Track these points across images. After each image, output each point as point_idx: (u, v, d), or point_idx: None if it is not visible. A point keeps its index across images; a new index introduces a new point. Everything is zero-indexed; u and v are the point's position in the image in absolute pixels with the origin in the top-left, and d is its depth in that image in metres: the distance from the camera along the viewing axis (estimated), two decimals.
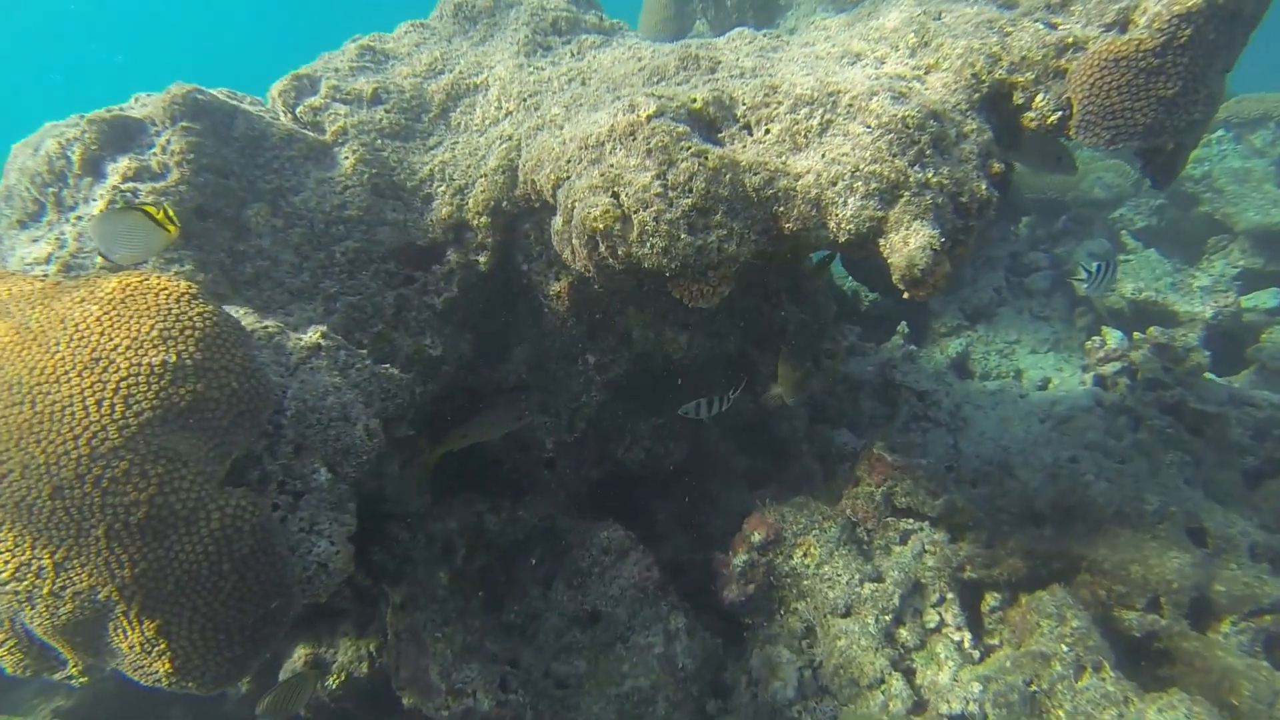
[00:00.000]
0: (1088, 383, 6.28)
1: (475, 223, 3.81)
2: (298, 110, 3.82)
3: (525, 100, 3.92)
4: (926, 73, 3.34)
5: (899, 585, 4.08)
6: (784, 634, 4.15)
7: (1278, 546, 4.00)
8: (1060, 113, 3.10)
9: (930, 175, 2.89)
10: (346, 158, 3.72)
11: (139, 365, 2.34)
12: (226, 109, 3.47)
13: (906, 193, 2.86)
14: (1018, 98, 3.22)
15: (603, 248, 3.01)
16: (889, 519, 4.40)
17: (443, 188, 3.85)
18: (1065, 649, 3.52)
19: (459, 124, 4.06)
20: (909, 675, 3.92)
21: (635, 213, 2.93)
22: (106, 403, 2.26)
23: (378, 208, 3.73)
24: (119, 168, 3.20)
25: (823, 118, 3.09)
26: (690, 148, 2.97)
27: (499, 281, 4.09)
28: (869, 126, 2.95)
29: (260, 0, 38.52)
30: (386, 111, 3.92)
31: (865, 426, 5.91)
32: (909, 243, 2.78)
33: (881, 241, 2.90)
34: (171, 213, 2.61)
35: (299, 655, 4.31)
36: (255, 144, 3.50)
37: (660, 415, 4.92)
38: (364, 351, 3.25)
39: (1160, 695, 3.29)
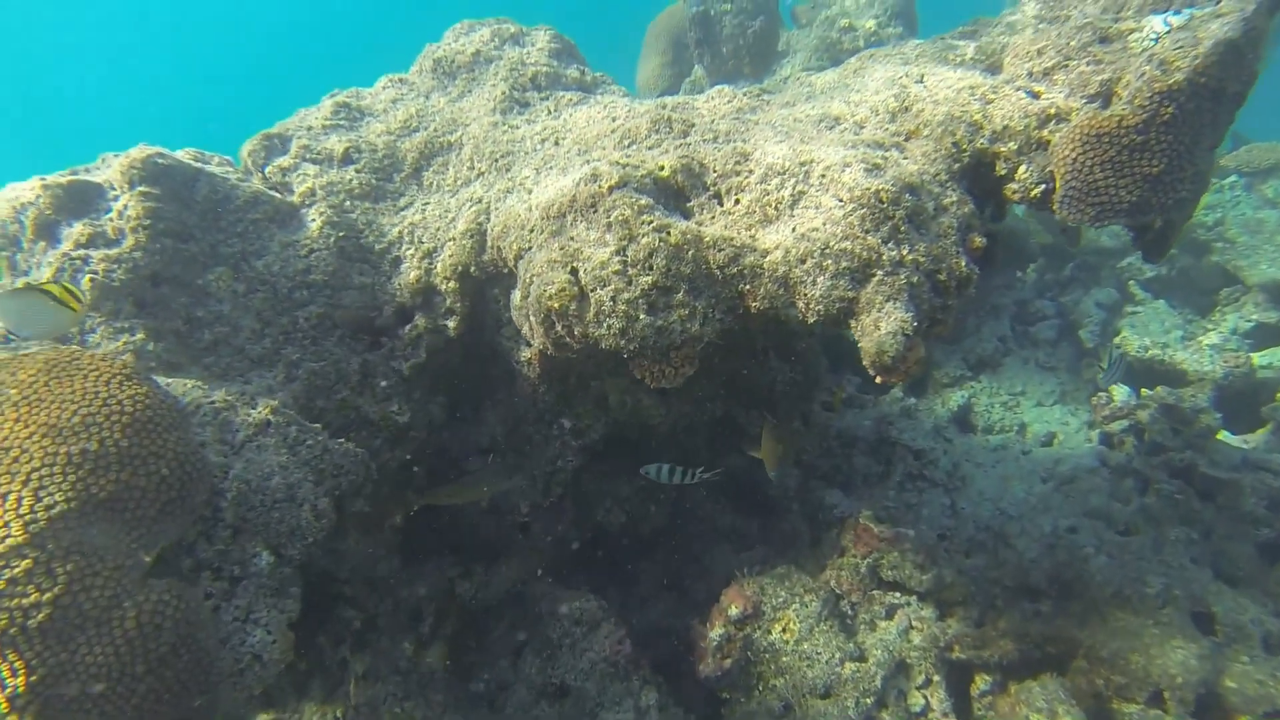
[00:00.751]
0: (1093, 440, 6.06)
1: (444, 287, 3.71)
2: (267, 170, 3.76)
3: (497, 161, 3.83)
4: (906, 139, 3.22)
5: (882, 665, 3.88)
6: (760, 712, 3.96)
7: None
8: (1044, 186, 2.96)
9: (905, 253, 2.75)
10: (314, 220, 3.64)
11: (55, 454, 2.24)
12: (189, 172, 3.41)
13: (879, 272, 2.72)
14: (1000, 168, 3.08)
15: (559, 327, 2.90)
16: (874, 592, 4.22)
17: (411, 251, 3.77)
18: None
19: (431, 184, 3.98)
20: None
21: (593, 291, 2.81)
22: (14, 495, 2.16)
23: (344, 271, 3.65)
24: (73, 233, 3.14)
25: (794, 189, 2.97)
26: (652, 222, 2.85)
27: (470, 345, 3.99)
28: (841, 200, 2.83)
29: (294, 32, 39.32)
30: (357, 171, 3.85)
31: (859, 484, 5.72)
32: (880, 327, 2.64)
33: (853, 323, 2.76)
34: (76, 290, 2.52)
35: None
36: (218, 207, 3.43)
37: (640, 479, 4.78)
38: (318, 425, 3.14)
39: None
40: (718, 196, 3.15)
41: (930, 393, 7.31)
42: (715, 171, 3.17)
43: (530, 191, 3.47)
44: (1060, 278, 7.68)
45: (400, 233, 3.80)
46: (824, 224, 2.80)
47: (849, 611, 4.19)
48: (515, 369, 4.02)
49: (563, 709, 3.95)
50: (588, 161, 3.36)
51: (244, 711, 4.31)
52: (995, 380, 7.16)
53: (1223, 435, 5.81)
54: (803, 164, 2.99)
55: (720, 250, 2.85)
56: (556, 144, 3.81)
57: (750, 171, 3.07)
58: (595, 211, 2.96)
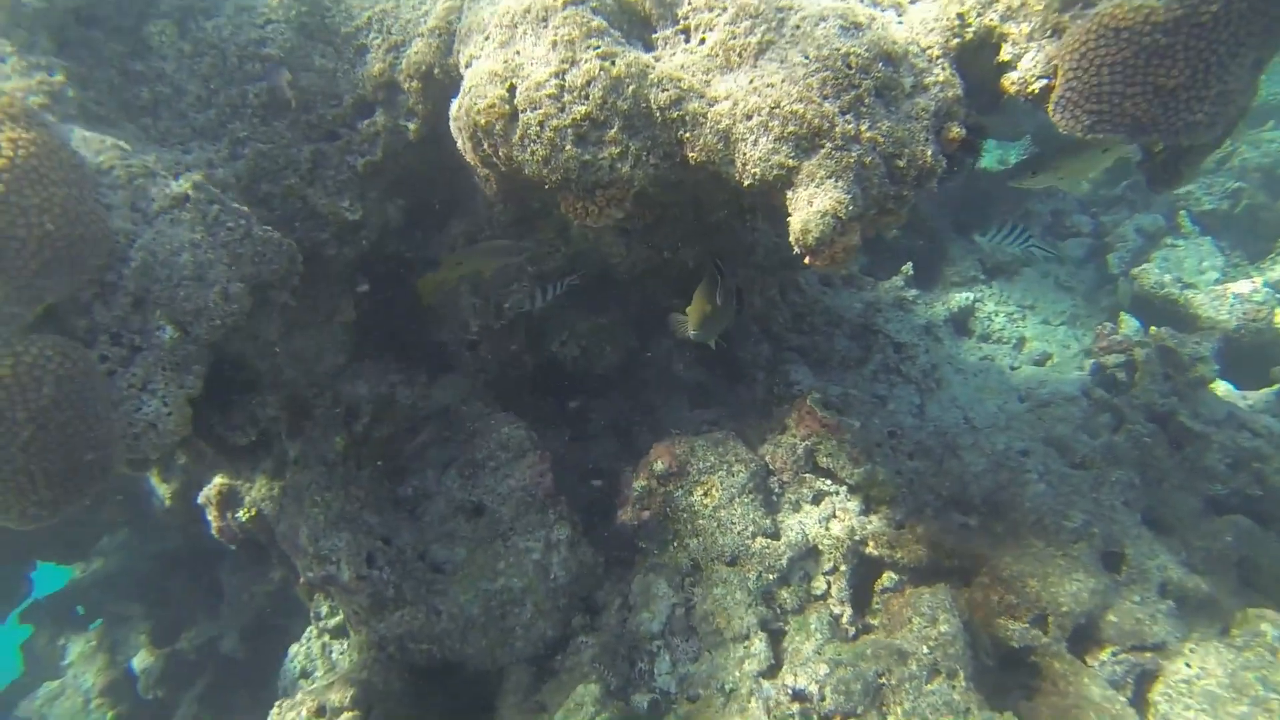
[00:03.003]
0: (1086, 369, 5.83)
1: (407, 86, 3.51)
2: None
3: None
4: (913, 1, 2.86)
5: (792, 546, 3.93)
6: (670, 567, 4.07)
7: (1190, 587, 3.72)
8: (1045, 81, 2.62)
9: (863, 128, 2.50)
10: None
11: None
12: None
13: (828, 144, 2.48)
14: (1006, 53, 2.73)
15: (486, 145, 2.73)
16: (807, 475, 4.21)
17: (379, 40, 3.52)
18: (925, 650, 3.38)
19: None
20: (778, 637, 3.84)
21: (523, 112, 2.62)
22: None
23: (304, 50, 3.44)
24: None
25: (763, 36, 2.67)
26: (598, 48, 2.60)
27: (434, 151, 3.81)
28: (807, 58, 2.54)
29: None
30: None
31: (834, 366, 5.60)
32: (811, 204, 2.44)
33: (789, 194, 2.56)
34: None
35: (217, 484, 4.39)
36: None
37: (602, 316, 4.71)
38: (245, 209, 3.06)
39: (994, 714, 3.15)
40: (686, 32, 2.85)
41: (939, 288, 7.03)
42: (689, 3, 2.86)
43: None
44: (1110, 195, 7.14)
45: (370, 18, 3.54)
46: (782, 81, 2.54)
47: (777, 489, 4.20)
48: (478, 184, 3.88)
49: (476, 527, 4.09)
50: None
51: (203, 475, 4.55)
52: (1008, 288, 6.84)
53: (1224, 388, 5.54)
54: (779, 9, 2.67)
55: (664, 90, 2.61)
56: None
57: (723, 9, 2.76)
58: (545, 26, 2.70)
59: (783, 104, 2.50)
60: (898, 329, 5.65)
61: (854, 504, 4.10)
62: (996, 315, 6.67)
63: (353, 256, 3.91)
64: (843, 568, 3.92)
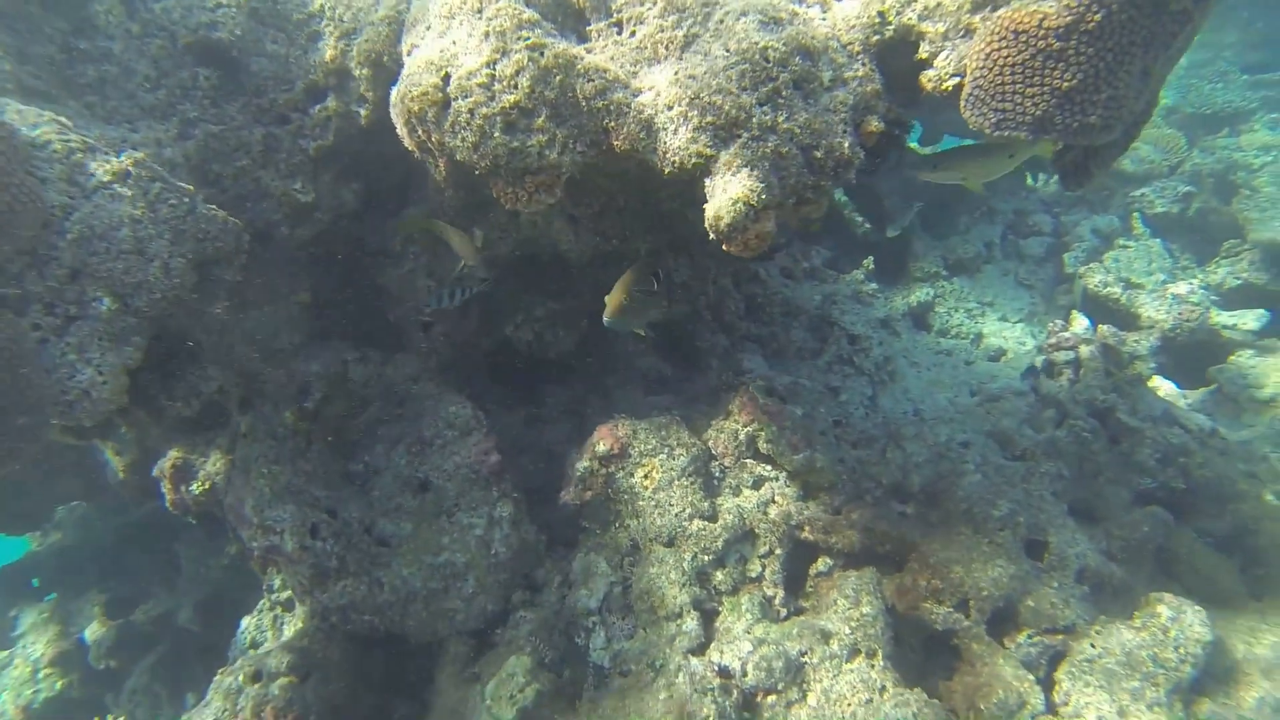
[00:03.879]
0: (1037, 365, 5.95)
1: (358, 73, 3.58)
2: None
3: None
4: None
5: (729, 529, 4.04)
6: (610, 546, 4.18)
7: (1106, 574, 3.85)
8: (957, 79, 2.72)
9: (780, 119, 2.59)
10: None
11: None
12: None
13: (744, 134, 2.57)
14: (924, 51, 2.83)
15: (420, 132, 2.81)
16: (748, 460, 4.31)
17: (331, 27, 3.60)
18: (847, 631, 3.50)
19: None
20: (711, 616, 3.95)
21: (455, 100, 2.70)
22: None
23: (255, 35, 3.51)
24: None
25: (689, 30, 2.76)
26: (528, 39, 2.69)
27: (387, 137, 3.89)
28: (727, 51, 2.63)
29: None
30: None
31: (791, 357, 5.72)
32: (725, 191, 2.54)
33: (707, 183, 2.66)
34: None
35: (171, 457, 4.46)
36: None
37: (557, 302, 4.79)
38: (189, 187, 3.14)
39: (905, 690, 3.27)
40: (620, 24, 2.94)
41: (903, 284, 7.15)
42: None
43: None
44: (1070, 194, 7.26)
45: (323, 5, 3.61)
46: (703, 73, 2.63)
47: (718, 474, 4.30)
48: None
49: (422, 502, 4.18)
50: None
51: (159, 445, 4.63)
52: (969, 285, 6.97)
53: (1168, 387, 5.68)
54: (705, 4, 2.76)
55: (590, 80, 2.70)
56: None
57: (655, 3, 2.85)
58: (479, 17, 2.79)
59: (702, 95, 2.59)
60: (853, 321, 5.77)
61: (792, 490, 4.20)
62: (956, 311, 6.80)
63: (307, 238, 3.99)
64: (778, 551, 4.04)
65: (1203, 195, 6.61)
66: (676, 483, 4.11)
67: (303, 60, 3.64)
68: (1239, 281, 5.73)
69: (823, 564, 4.09)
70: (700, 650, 3.74)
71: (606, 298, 3.37)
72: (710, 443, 4.35)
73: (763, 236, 2.57)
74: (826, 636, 3.50)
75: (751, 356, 5.27)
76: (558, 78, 2.69)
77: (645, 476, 4.15)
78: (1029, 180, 7.28)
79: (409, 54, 3.06)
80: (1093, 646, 3.56)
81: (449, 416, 4.28)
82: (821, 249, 6.72)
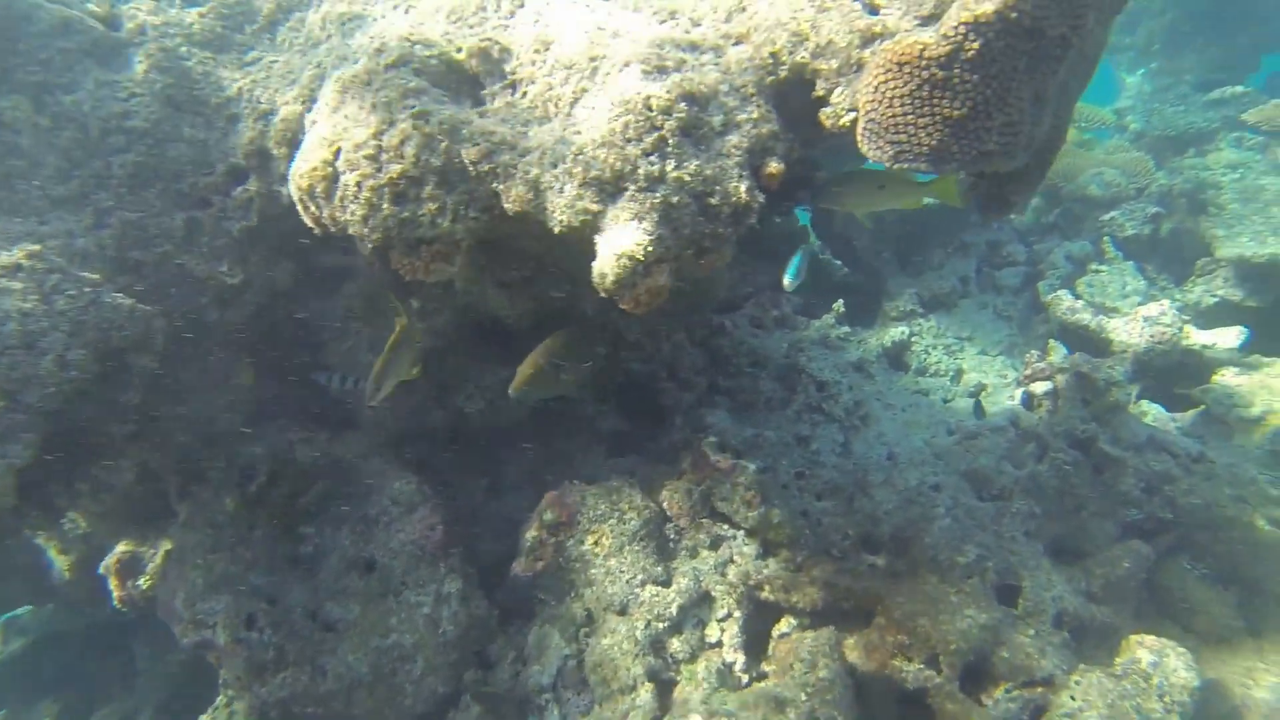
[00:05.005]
0: (1016, 398, 5.77)
1: (277, 152, 3.57)
2: (91, 3, 3.58)
3: (345, 24, 3.59)
4: (736, 43, 2.90)
5: (683, 593, 3.86)
6: (565, 617, 4.00)
7: (1086, 617, 3.63)
8: (852, 114, 2.65)
9: (669, 168, 2.51)
10: (140, 61, 3.49)
11: None
12: None
13: (632, 186, 2.50)
14: (820, 89, 2.76)
15: (312, 208, 2.76)
16: (704, 520, 4.15)
17: (249, 109, 3.61)
18: (804, 698, 3.29)
19: (285, 41, 3.77)
20: (669, 687, 3.75)
21: (344, 174, 2.66)
22: None
23: (172, 121, 3.52)
24: None
25: (578, 86, 2.72)
26: (413, 107, 2.65)
27: None
28: (611, 103, 2.58)
29: None
30: (201, 16, 3.65)
31: (761, 408, 5.57)
32: (611, 247, 2.45)
33: (597, 240, 2.57)
34: None
35: (118, 552, 4.36)
36: (14, 28, 3.28)
37: (507, 368, 4.70)
38: (95, 277, 3.10)
39: None
40: (514, 86, 2.91)
41: (879, 325, 7.01)
42: (517, 58, 2.92)
43: (357, 61, 3.26)
44: (1043, 223, 7.16)
45: (240, 89, 3.63)
46: (588, 128, 2.57)
47: (673, 536, 4.14)
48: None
49: (369, 583, 4.04)
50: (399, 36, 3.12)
51: (106, 542, 4.53)
52: (946, 321, 6.82)
53: (1153, 411, 5.48)
54: (593, 59, 2.72)
55: (475, 144, 2.65)
56: (407, 12, 3.55)
57: (544, 62, 2.82)
58: (369, 89, 2.77)
59: (585, 150, 2.53)
60: (821, 368, 5.62)
61: (751, 548, 4.03)
62: (934, 348, 6.65)
63: (240, 320, 3.94)
64: (736, 614, 3.85)
65: (1177, 216, 6.48)
66: (627, 548, 3.95)
67: (222, 143, 3.64)
68: (1216, 299, 5.56)
69: (786, 624, 3.89)
70: None
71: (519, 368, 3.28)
72: (665, 504, 4.20)
73: (655, 292, 2.48)
74: (781, 705, 3.29)
75: (715, 411, 5.13)
76: (443, 144, 2.64)
77: (595, 543, 3.99)
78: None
79: (308, 131, 3.03)
80: (1073, 699, 3.32)
81: (394, 493, 4.17)
82: (793, 296, 6.61)
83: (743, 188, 2.59)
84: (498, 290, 4.06)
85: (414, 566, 4.03)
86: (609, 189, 2.51)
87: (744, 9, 2.93)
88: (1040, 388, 5.47)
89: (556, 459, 5.11)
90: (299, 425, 4.44)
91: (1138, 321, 5.15)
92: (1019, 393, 5.75)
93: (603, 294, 2.53)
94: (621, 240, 2.43)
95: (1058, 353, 5.73)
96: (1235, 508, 4.05)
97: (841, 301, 6.40)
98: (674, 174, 2.51)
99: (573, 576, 4.02)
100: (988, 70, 2.34)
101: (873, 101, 2.50)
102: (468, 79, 2.96)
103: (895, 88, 2.45)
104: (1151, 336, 5.07)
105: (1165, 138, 7.11)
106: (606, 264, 2.42)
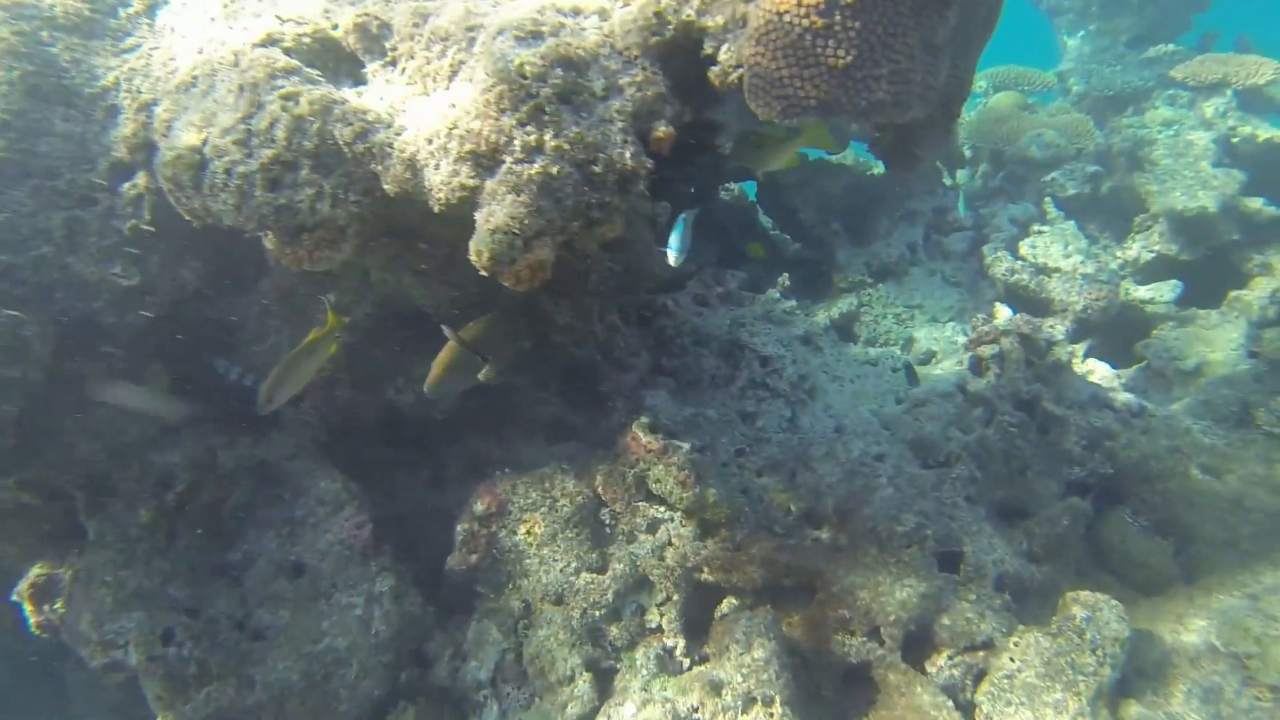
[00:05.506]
0: (964, 363, 5.72)
1: (162, 145, 3.40)
2: None
3: (228, 5, 3.43)
4: (624, 5, 2.78)
5: (619, 579, 3.77)
6: (502, 610, 3.91)
7: (1027, 577, 3.58)
8: (740, 70, 2.54)
9: (547, 138, 2.40)
10: None
11: None
12: None
13: (508, 158, 2.38)
14: (709, 47, 2.65)
15: (181, 199, 2.62)
16: (640, 503, 4.05)
17: (129, 100, 3.43)
18: (740, 679, 3.21)
19: (166, 26, 3.60)
20: (610, 676, 3.67)
21: (212, 160, 2.52)
22: None
23: (38, 113, 3.33)
24: None
25: (454, 58, 2.59)
26: (281, 88, 2.51)
27: None
28: (486, 74, 2.45)
29: None
30: None
31: (706, 387, 5.47)
32: (487, 222, 2.34)
33: (478, 216, 2.45)
34: None
35: (31, 576, 4.19)
36: None
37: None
38: None
39: None
40: (395, 63, 2.78)
41: (829, 297, 6.94)
42: (398, 33, 2.78)
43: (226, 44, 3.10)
44: (989, 187, 7.11)
45: (117, 78, 3.45)
46: (464, 100, 2.45)
47: (609, 521, 4.04)
48: None
49: (298, 587, 3.91)
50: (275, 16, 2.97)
51: (19, 565, 4.35)
52: (896, 290, 6.76)
53: (1100, 369, 5.44)
54: (469, 29, 2.59)
55: (349, 125, 2.52)
56: None
57: (420, 35, 2.68)
58: (236, 70, 2.62)
59: (460, 123, 2.41)
60: (764, 342, 5.52)
61: (689, 529, 3.94)
62: (884, 317, 6.59)
63: (143, 324, 3.78)
64: (675, 597, 3.76)
65: (1118, 174, 6.44)
66: (560, 535, 3.85)
67: (102, 137, 3.46)
68: (1153, 254, 5.53)
69: (727, 605, 3.81)
70: (591, 716, 3.44)
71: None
72: (600, 489, 4.10)
73: (537, 267, 2.37)
74: (717, 688, 3.21)
75: (655, 393, 5.02)
76: (314, 126, 2.51)
77: (528, 532, 3.89)
78: (946, 178, 7.13)
79: (180, 117, 2.88)
80: (1012, 660, 3.27)
81: (320, 493, 4.04)
82: (738, 272, 6.52)
83: (627, 154, 2.48)
84: (414, 278, 3.93)
85: (343, 567, 3.91)
86: (485, 162, 2.39)
87: None
88: (987, 351, 5.41)
89: (498, 448, 4.99)
90: (221, 429, 4.28)
91: (1075, 280, 5.10)
92: (967, 357, 5.69)
93: (482, 272, 2.41)
94: (497, 215, 2.31)
95: (1003, 315, 5.68)
96: (1171, 459, 4.02)
97: (787, 275, 6.31)
98: (553, 143, 2.39)
99: (509, 568, 3.92)
100: (869, 16, 2.24)
101: (756, 55, 2.40)
102: (347, 57, 2.82)
103: (776, 39, 2.35)
104: (1089, 295, 5.02)
105: (1105, 98, 7.08)
106: (481, 240, 2.31)
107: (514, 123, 2.39)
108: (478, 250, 2.33)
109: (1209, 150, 5.55)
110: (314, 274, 4.07)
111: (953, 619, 3.44)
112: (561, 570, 3.76)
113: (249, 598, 3.92)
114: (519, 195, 2.34)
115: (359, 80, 2.83)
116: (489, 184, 2.39)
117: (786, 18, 2.29)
